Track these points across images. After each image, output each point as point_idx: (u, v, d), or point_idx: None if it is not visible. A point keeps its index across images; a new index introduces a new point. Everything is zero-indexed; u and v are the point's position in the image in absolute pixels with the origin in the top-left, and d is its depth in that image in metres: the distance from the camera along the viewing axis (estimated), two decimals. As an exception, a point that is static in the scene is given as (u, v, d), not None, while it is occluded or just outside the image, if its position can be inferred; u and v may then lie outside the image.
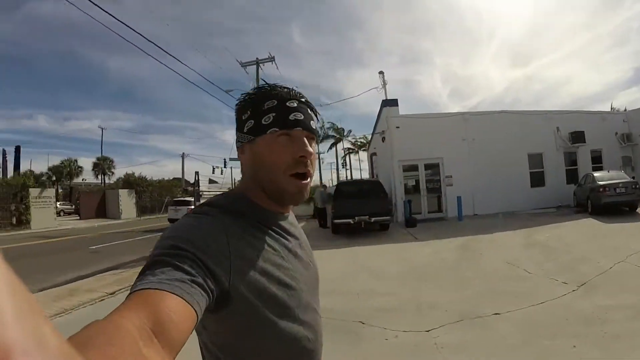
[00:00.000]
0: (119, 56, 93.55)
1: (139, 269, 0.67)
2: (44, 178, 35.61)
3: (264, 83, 0.91)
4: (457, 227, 11.94)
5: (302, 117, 0.86)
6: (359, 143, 42.08)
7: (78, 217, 32.64)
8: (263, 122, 0.84)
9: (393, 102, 15.59)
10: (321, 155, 43.97)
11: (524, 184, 15.44)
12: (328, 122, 39.56)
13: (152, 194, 36.70)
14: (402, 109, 15.51)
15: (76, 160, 47.45)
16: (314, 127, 0.88)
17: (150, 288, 0.58)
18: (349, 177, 41.91)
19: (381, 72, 17.16)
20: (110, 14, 7.18)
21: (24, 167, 25.47)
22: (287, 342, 0.81)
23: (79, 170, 47.56)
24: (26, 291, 0.24)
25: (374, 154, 21.55)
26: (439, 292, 5.25)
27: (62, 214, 35.08)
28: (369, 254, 8.66)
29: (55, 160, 51.19)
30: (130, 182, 36.02)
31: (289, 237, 0.91)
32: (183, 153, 34.77)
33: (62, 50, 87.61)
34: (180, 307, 0.57)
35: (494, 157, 14.89)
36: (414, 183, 15.41)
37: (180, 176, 37.51)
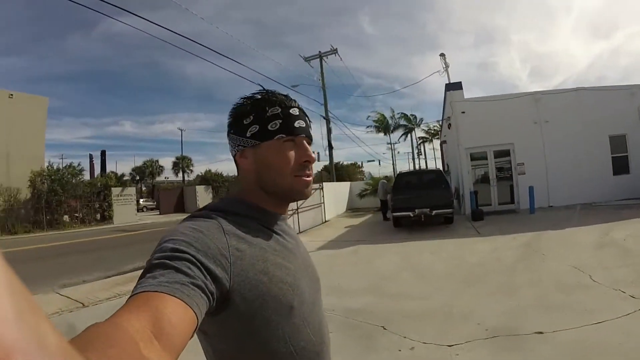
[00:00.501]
0: (197, 61, 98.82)
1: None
2: (126, 178, 39.12)
3: (262, 88, 0.94)
4: (526, 221, 10.73)
5: (304, 124, 0.92)
6: (432, 131, 40.43)
7: (158, 213, 35.53)
8: (269, 128, 0.87)
9: (456, 86, 14.33)
10: (395, 145, 43.07)
11: (605, 171, 13.23)
12: (399, 112, 38.58)
13: (228, 189, 38.52)
14: (480, 94, 14.11)
15: (157, 161, 52.17)
16: (312, 134, 0.95)
17: (150, 291, 0.58)
18: (422, 167, 40.67)
19: (442, 55, 16.09)
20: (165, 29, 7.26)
21: (110, 168, 28.47)
22: (292, 343, 0.81)
23: (160, 169, 52.16)
24: (26, 291, 0.24)
25: (444, 142, 20.37)
26: (480, 299, 4.65)
27: (145, 209, 39.12)
28: (422, 250, 8.12)
29: (140, 161, 56.12)
30: (207, 179, 38.27)
31: (287, 238, 0.92)
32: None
33: (144, 62, 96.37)
34: (180, 309, 0.58)
35: (570, 141, 13.07)
36: (482, 172, 14.10)
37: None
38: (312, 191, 0.92)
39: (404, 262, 7.22)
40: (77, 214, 24.62)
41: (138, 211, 33.04)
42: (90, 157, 36.52)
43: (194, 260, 0.66)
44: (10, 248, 13.61)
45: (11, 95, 22.95)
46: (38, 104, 24.55)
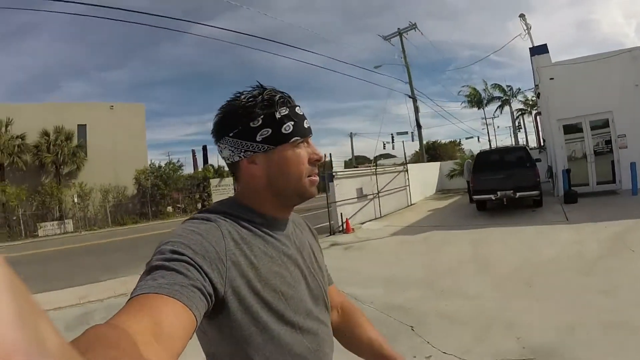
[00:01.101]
0: (286, 52, 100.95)
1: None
2: (223, 169, 42.00)
3: (258, 84, 0.89)
4: (626, 205, 9.23)
5: (309, 123, 0.90)
6: (529, 102, 36.46)
7: None
8: (283, 131, 0.84)
9: (541, 49, 12.55)
10: (494, 120, 39.62)
11: None
12: (492, 83, 35.43)
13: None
14: (581, 56, 12.04)
15: None
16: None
17: (150, 293, 0.59)
18: (521, 143, 37.01)
19: (522, 15, 14.12)
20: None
21: (211, 161, 31.36)
22: (285, 350, 0.81)
23: None
24: (27, 292, 0.24)
25: (538, 113, 18.32)
26: (534, 306, 4.11)
27: None
28: (496, 239, 7.59)
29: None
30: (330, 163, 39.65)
31: (288, 244, 0.90)
32: (351, 133, 35.58)
33: (237, 59, 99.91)
34: (179, 311, 0.59)
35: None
36: (578, 147, 12.27)
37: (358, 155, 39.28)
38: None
39: (472, 252, 6.85)
40: (179, 205, 27.97)
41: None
42: (193, 152, 39.09)
43: (193, 262, 0.67)
44: (120, 237, 16.43)
45: (112, 106, 27.49)
46: (136, 111, 28.92)
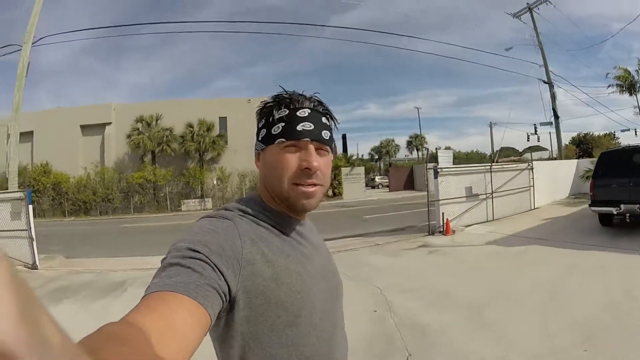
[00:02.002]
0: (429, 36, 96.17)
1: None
2: (365, 157, 42.83)
3: (282, 90, 0.90)
4: None
5: (312, 127, 0.85)
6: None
7: (388, 190, 37.67)
8: (272, 132, 0.85)
9: None
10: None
11: None
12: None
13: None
14: None
15: (393, 140, 55.55)
16: (326, 137, 0.87)
17: (165, 290, 0.60)
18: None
19: None
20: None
21: (352, 150, 32.78)
22: (296, 352, 0.80)
23: (396, 148, 55.41)
24: (30, 289, 0.24)
25: None
26: None
27: (380, 187, 41.99)
28: (594, 268, 5.96)
29: (378, 141, 60.06)
30: (436, 157, 37.86)
31: (304, 243, 0.90)
32: (490, 122, 32.56)
33: (373, 48, 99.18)
34: (194, 309, 0.60)
35: None
36: None
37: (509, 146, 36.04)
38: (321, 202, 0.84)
39: (554, 280, 5.51)
40: None
41: (374, 188, 39.73)
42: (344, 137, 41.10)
43: (208, 260, 0.67)
44: None
45: (249, 100, 30.12)
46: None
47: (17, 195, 8.63)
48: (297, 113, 0.85)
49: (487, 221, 11.43)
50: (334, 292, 0.93)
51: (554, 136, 27.11)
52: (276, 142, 0.83)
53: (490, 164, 12.57)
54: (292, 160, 0.83)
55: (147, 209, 26.53)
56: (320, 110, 0.89)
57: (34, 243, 8.16)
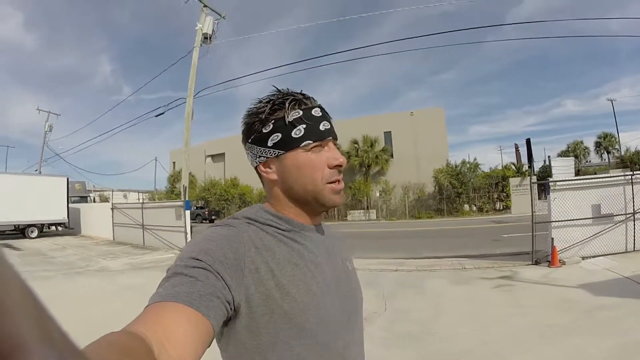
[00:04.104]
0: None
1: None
2: (521, 167, 36.80)
3: (276, 89, 0.88)
4: None
5: (329, 125, 0.86)
6: None
7: None
8: (293, 136, 0.82)
9: None
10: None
11: None
12: None
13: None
14: None
15: (582, 142, 42.57)
16: (336, 134, 0.89)
17: (168, 300, 0.60)
18: None
19: None
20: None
21: (537, 157, 29.62)
22: None
23: (585, 151, 42.51)
24: (31, 288, 0.23)
25: None
26: None
27: None
28: None
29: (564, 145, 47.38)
30: (625, 161, 31.92)
31: (316, 252, 0.86)
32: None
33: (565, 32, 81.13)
34: (196, 320, 0.59)
35: None
36: None
37: None
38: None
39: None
40: (475, 204, 28.50)
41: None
42: (516, 146, 37.10)
43: (212, 269, 0.67)
44: (410, 228, 20.12)
45: (412, 113, 31.41)
46: (435, 115, 31.51)
47: (179, 204, 13.13)
48: (312, 112, 0.84)
49: (626, 252, 8.66)
50: (350, 303, 0.88)
51: None
52: (302, 145, 0.81)
53: (631, 173, 9.24)
54: (321, 160, 0.83)
55: (316, 217, 30.78)
56: (322, 106, 0.88)
57: (187, 236, 12.18)
